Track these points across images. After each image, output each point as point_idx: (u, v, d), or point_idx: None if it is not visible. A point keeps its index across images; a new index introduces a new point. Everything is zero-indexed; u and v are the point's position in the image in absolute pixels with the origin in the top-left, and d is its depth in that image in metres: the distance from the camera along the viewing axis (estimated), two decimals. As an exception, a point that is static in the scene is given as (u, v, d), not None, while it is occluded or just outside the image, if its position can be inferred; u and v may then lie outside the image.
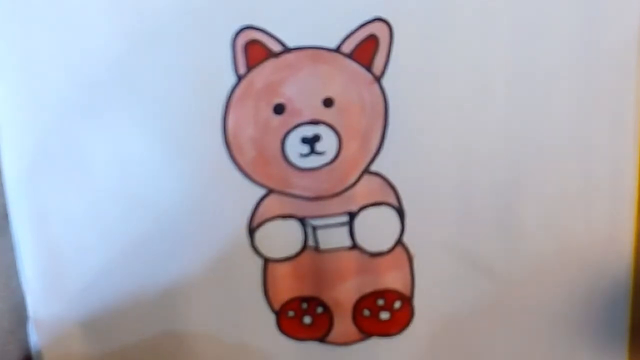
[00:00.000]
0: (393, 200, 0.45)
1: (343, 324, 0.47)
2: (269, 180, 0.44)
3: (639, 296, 0.47)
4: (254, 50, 0.41)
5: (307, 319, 0.47)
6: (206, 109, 0.42)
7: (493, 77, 0.43)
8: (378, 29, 0.41)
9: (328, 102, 0.42)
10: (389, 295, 0.46)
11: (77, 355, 0.46)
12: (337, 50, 0.42)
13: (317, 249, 0.45)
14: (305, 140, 0.43)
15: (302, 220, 0.45)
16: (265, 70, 0.42)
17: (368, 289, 0.46)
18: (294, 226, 0.45)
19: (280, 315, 0.46)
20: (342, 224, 0.45)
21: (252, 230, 0.44)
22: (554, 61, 0.42)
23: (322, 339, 0.47)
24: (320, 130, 0.43)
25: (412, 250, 0.46)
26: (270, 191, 0.44)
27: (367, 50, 0.42)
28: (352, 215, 0.45)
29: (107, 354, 0.46)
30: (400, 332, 0.47)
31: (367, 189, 0.44)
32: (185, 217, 0.44)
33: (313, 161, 0.43)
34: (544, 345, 0.48)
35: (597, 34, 0.42)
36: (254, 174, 0.43)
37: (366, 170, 0.44)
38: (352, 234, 0.45)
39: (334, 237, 0.45)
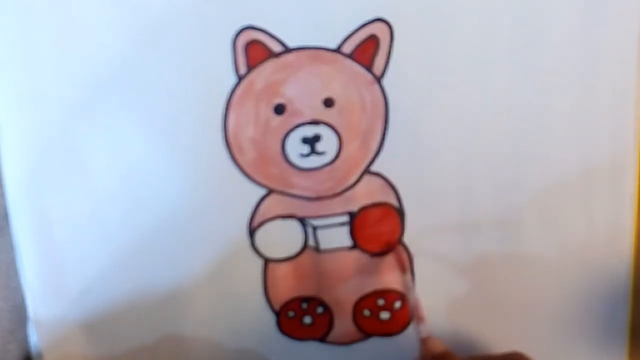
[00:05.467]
0: (393, 201, 0.45)
1: (343, 324, 0.47)
2: (270, 180, 0.44)
3: (639, 296, 0.47)
4: (255, 51, 0.41)
5: (307, 319, 0.47)
6: (207, 109, 0.42)
7: (493, 77, 0.43)
8: (378, 30, 0.41)
9: (328, 102, 0.42)
10: (389, 295, 0.46)
11: (77, 356, 0.46)
12: (338, 50, 0.42)
13: (317, 249, 0.45)
14: (305, 141, 0.43)
15: (303, 221, 0.45)
16: (266, 71, 0.42)
17: (368, 289, 0.46)
18: (294, 226, 0.45)
19: (280, 315, 0.46)
20: (342, 224, 0.45)
21: (252, 231, 0.45)
22: (554, 61, 0.43)
23: (322, 339, 0.47)
24: (321, 130, 0.43)
25: (412, 250, 0.46)
26: (270, 191, 0.44)
27: (367, 50, 0.42)
28: (352, 215, 0.45)
29: (107, 355, 0.46)
30: (400, 332, 0.47)
31: (368, 189, 0.44)
32: (185, 218, 0.44)
33: (313, 161, 0.43)
34: (544, 345, 0.48)
35: (597, 34, 0.42)
36: (255, 174, 0.43)
37: (366, 171, 0.44)
38: (352, 234, 0.45)
39: (334, 237, 0.45)
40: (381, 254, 0.46)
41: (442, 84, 0.43)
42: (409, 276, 0.44)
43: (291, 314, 0.46)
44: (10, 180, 0.43)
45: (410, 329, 0.47)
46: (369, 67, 0.42)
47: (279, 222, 0.45)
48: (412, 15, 0.41)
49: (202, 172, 0.43)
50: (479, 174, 0.44)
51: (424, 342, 0.41)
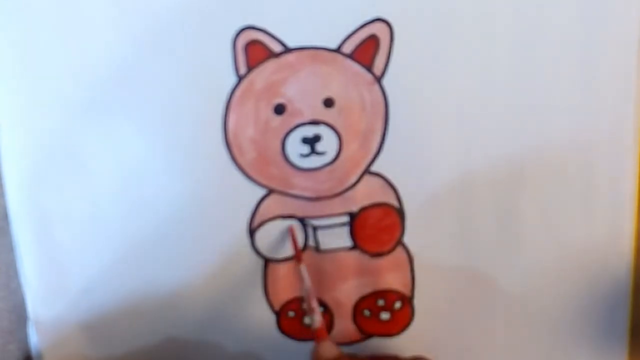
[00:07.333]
0: (393, 201, 0.45)
1: (343, 324, 0.47)
2: (270, 180, 0.44)
3: (639, 296, 0.47)
4: (255, 51, 0.41)
5: (307, 319, 0.47)
6: (207, 109, 0.42)
7: (493, 77, 0.43)
8: (378, 29, 0.41)
9: (328, 102, 0.42)
10: (389, 295, 0.46)
11: (77, 356, 0.46)
12: (338, 50, 0.42)
13: (317, 249, 0.45)
14: (305, 141, 0.43)
15: (303, 221, 0.45)
16: (266, 71, 0.42)
17: (368, 289, 0.46)
18: (294, 226, 0.45)
19: (280, 315, 0.46)
20: (342, 224, 0.45)
21: (252, 231, 0.44)
22: (554, 61, 0.43)
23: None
24: (321, 130, 0.43)
25: (412, 250, 0.46)
26: (270, 191, 0.44)
27: (367, 50, 0.42)
28: (352, 216, 0.45)
29: (107, 356, 0.46)
30: (400, 332, 0.47)
31: (368, 189, 0.44)
32: (185, 218, 0.44)
33: (313, 161, 0.43)
34: (544, 346, 0.48)
35: (597, 34, 0.42)
36: (255, 174, 0.43)
37: (367, 171, 0.44)
38: (352, 234, 0.45)
39: (334, 238, 0.45)
40: (381, 254, 0.46)
41: (442, 84, 0.43)
42: (304, 266, 0.43)
43: (291, 314, 0.46)
44: (10, 180, 0.43)
45: (411, 329, 0.47)
46: (369, 67, 0.42)
47: (279, 222, 0.45)
48: (412, 15, 0.41)
49: (202, 173, 0.43)
50: (479, 175, 0.44)
51: (316, 348, 0.40)
